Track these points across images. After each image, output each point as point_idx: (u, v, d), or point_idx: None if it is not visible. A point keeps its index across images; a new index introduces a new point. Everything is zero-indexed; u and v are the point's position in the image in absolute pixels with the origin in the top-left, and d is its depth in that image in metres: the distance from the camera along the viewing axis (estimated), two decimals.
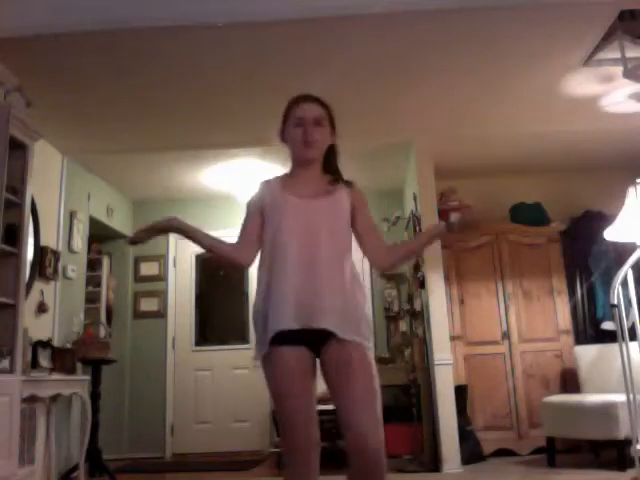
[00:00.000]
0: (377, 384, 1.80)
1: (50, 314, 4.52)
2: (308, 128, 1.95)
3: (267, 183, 2.03)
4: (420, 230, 4.82)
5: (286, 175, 2.05)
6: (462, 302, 5.07)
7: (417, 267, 4.91)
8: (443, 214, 5.11)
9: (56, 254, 4.62)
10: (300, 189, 1.96)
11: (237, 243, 2.03)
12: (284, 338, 1.82)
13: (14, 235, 3.39)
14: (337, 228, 1.93)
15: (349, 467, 1.74)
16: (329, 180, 2.02)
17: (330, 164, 2.06)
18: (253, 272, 6.68)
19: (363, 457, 1.70)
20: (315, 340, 1.84)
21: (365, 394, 1.76)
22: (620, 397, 3.86)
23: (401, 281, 5.80)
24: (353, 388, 1.77)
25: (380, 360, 5.17)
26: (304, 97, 2.03)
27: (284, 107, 2.05)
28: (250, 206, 2.04)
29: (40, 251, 4.41)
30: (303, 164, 2.01)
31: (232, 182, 5.68)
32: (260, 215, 1.98)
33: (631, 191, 3.79)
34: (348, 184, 2.03)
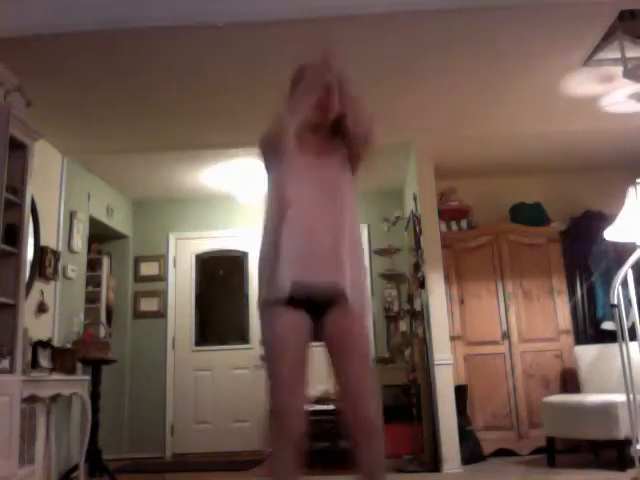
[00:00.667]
0: (370, 355, 1.91)
1: (50, 314, 4.52)
2: (325, 97, 2.03)
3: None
4: (420, 231, 4.82)
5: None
6: (462, 302, 5.07)
7: (417, 267, 4.91)
8: (443, 214, 5.12)
9: (56, 254, 4.62)
10: (309, 146, 2.01)
11: None
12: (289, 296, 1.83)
13: (14, 235, 3.39)
14: (341, 189, 1.99)
15: (351, 442, 1.85)
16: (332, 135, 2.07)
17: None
18: (253, 272, 6.63)
19: (367, 433, 1.82)
20: (317, 305, 1.87)
21: (362, 375, 1.85)
22: (620, 397, 3.86)
23: (401, 281, 5.81)
24: (351, 367, 1.84)
25: (380, 360, 5.18)
26: (321, 64, 2.09)
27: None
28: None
29: (40, 251, 4.41)
30: (309, 125, 2.06)
31: (232, 182, 5.68)
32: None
33: (631, 191, 3.79)
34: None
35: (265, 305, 1.89)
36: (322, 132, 2.08)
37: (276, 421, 1.94)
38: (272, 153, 2.02)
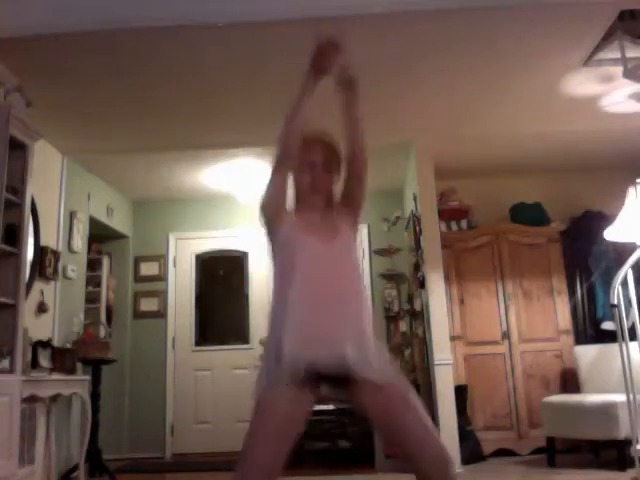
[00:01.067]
0: (416, 400, 1.74)
1: (50, 314, 4.52)
2: (319, 173, 1.91)
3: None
4: (420, 231, 4.82)
5: (295, 207, 1.96)
6: (462, 302, 5.07)
7: (417, 267, 4.91)
8: (443, 214, 5.12)
9: (56, 254, 4.62)
10: (312, 227, 1.87)
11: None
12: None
13: (14, 235, 3.39)
14: (349, 267, 1.87)
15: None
16: (333, 211, 1.94)
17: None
18: (253, 272, 6.63)
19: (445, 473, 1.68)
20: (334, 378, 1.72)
21: (417, 419, 1.71)
22: (620, 397, 3.86)
23: (401, 281, 5.81)
24: (406, 421, 1.70)
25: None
26: (317, 139, 1.97)
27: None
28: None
29: (40, 251, 4.41)
30: (308, 204, 1.94)
31: (232, 182, 5.68)
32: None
33: (631, 191, 3.79)
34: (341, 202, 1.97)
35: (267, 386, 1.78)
36: (321, 205, 1.94)
37: None
38: (275, 215, 1.88)
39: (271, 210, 1.88)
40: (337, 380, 1.71)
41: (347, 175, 1.95)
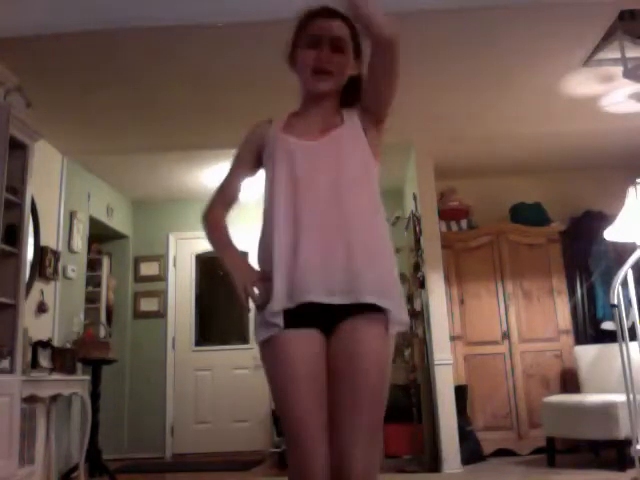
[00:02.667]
0: (383, 391, 1.42)
1: (50, 314, 4.52)
2: (324, 51, 1.53)
3: (271, 120, 1.66)
4: (420, 231, 4.82)
5: (293, 112, 1.64)
6: (462, 302, 5.07)
7: (417, 267, 4.91)
8: (443, 214, 5.12)
9: (56, 254, 4.62)
10: (303, 128, 1.55)
11: (219, 196, 1.81)
12: (291, 318, 1.43)
13: (14, 235, 3.39)
14: (352, 171, 1.50)
15: None
16: (340, 113, 1.59)
17: (352, 101, 1.60)
18: None
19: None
20: (327, 317, 1.43)
21: (368, 428, 1.37)
22: (620, 397, 3.85)
23: (401, 281, 5.80)
24: (357, 415, 1.36)
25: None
26: (322, 9, 1.58)
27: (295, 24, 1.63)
28: (242, 145, 1.74)
29: (40, 251, 4.40)
30: (313, 98, 1.59)
31: None
32: (255, 158, 1.69)
33: (631, 191, 3.79)
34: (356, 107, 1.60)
35: (261, 334, 1.48)
36: (330, 107, 1.59)
37: (296, 464, 1.36)
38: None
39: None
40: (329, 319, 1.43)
41: (371, 61, 1.51)
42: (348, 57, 1.57)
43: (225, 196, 1.78)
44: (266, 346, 1.46)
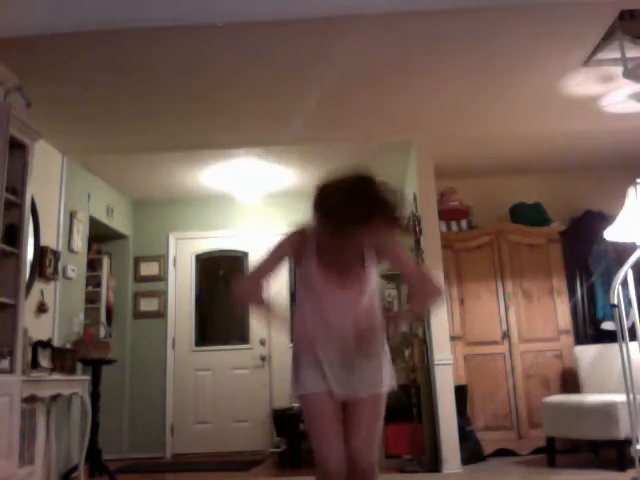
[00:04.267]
0: (382, 414, 2.04)
1: (50, 314, 4.52)
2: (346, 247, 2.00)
3: (304, 234, 2.03)
4: (420, 231, 4.82)
5: (320, 236, 1.99)
6: (462, 302, 5.07)
7: None
8: (443, 214, 5.12)
9: (56, 254, 4.62)
10: (333, 270, 2.00)
11: (253, 276, 2.25)
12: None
13: (14, 235, 3.39)
14: (363, 298, 2.05)
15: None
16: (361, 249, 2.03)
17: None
18: None
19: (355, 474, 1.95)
20: None
21: (373, 428, 2.01)
22: (620, 397, 3.86)
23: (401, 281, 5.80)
24: (364, 418, 2.00)
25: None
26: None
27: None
28: (281, 247, 2.07)
29: (40, 251, 4.40)
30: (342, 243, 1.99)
31: (232, 182, 5.69)
32: (282, 262, 2.08)
33: (631, 191, 3.79)
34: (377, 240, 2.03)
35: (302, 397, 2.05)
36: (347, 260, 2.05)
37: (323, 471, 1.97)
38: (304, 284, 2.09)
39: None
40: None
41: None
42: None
43: (260, 276, 2.17)
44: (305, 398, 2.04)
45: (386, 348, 2.09)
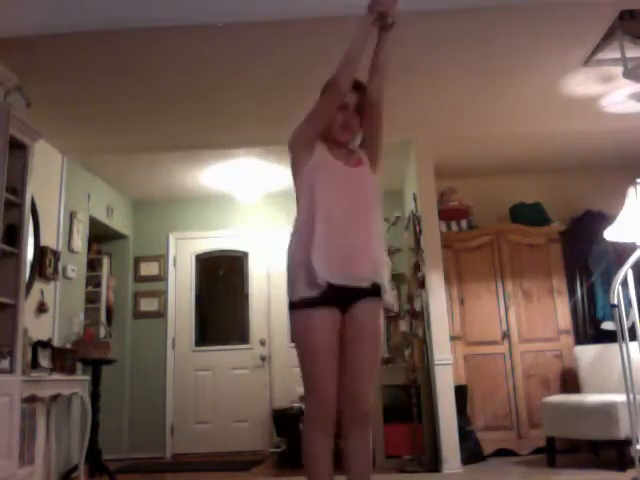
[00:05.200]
0: (381, 347, 2.14)
1: (50, 314, 4.52)
2: (350, 115, 2.15)
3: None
4: (420, 231, 4.82)
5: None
6: (462, 302, 5.07)
7: (417, 267, 4.91)
8: (443, 214, 5.12)
9: (56, 254, 4.62)
10: (339, 155, 2.15)
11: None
12: (318, 297, 1.96)
13: (14, 235, 3.39)
14: (368, 190, 2.16)
15: (344, 424, 2.03)
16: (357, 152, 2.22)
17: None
18: (253, 272, 6.63)
19: (360, 416, 2.02)
20: (347, 298, 2.02)
21: (370, 366, 2.03)
22: (620, 397, 3.86)
23: (401, 281, 5.80)
24: (363, 356, 2.01)
25: (380, 360, 5.16)
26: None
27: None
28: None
29: (40, 251, 4.40)
30: (335, 143, 2.18)
31: (232, 182, 5.69)
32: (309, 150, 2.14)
33: (631, 191, 3.79)
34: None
35: (299, 304, 1.98)
36: (345, 146, 2.22)
37: (316, 408, 2.02)
38: (305, 147, 2.12)
39: (311, 136, 2.11)
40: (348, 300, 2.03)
41: (366, 121, 2.20)
42: (359, 119, 2.20)
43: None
44: (301, 311, 2.00)
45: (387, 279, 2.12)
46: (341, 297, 2.00)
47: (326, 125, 2.14)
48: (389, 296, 2.09)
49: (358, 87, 2.17)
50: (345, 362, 2.00)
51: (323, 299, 1.95)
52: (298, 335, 2.02)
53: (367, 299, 2.04)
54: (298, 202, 2.13)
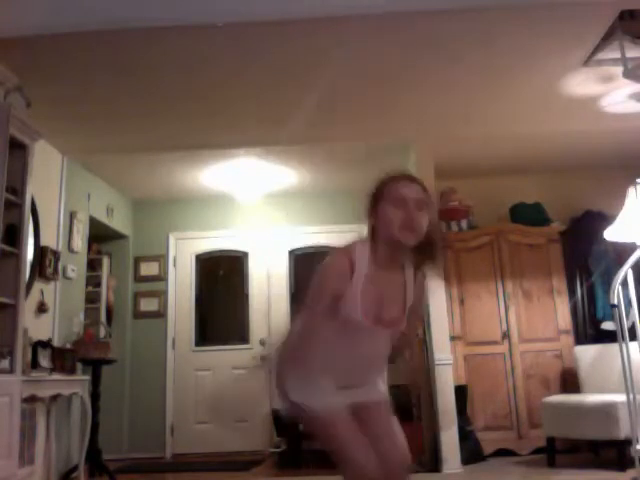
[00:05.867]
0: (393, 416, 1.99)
1: (50, 314, 4.52)
2: (412, 211, 1.76)
3: (354, 251, 1.80)
4: None
5: (371, 252, 1.82)
6: (462, 302, 5.07)
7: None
8: (443, 214, 5.12)
9: (56, 254, 4.62)
10: (378, 295, 1.80)
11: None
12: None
13: (14, 235, 3.39)
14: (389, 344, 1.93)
15: None
16: (407, 280, 1.88)
17: (424, 253, 1.85)
18: (253, 272, 6.63)
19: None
20: None
21: (392, 425, 1.93)
22: (620, 397, 3.86)
23: None
24: (383, 424, 1.91)
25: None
26: (404, 176, 1.87)
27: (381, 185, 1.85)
28: (340, 274, 1.78)
29: (40, 251, 4.40)
30: (395, 248, 1.81)
31: (232, 182, 5.68)
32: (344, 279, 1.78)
33: (631, 191, 3.79)
34: (420, 283, 1.93)
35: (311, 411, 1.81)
36: (402, 259, 1.87)
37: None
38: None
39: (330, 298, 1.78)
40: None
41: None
42: (427, 217, 1.79)
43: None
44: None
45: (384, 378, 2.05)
46: None
47: (383, 224, 1.78)
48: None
49: (416, 180, 1.85)
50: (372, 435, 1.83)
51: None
52: (324, 435, 1.85)
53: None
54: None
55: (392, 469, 1.82)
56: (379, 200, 1.81)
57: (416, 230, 1.76)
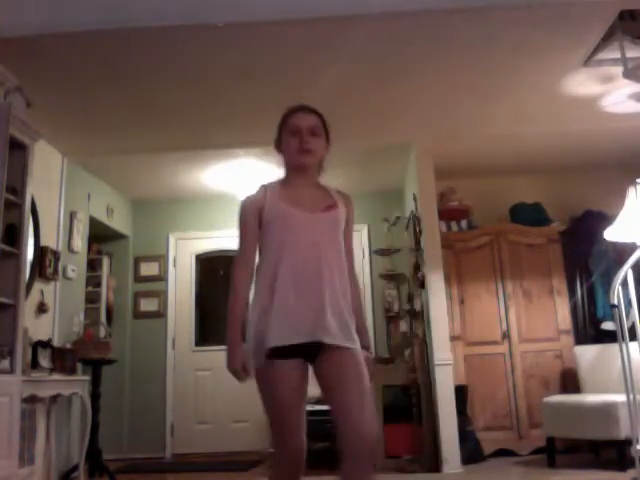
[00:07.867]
0: (368, 383, 1.87)
1: (50, 314, 4.52)
2: (304, 136, 2.01)
3: (265, 188, 2.03)
4: (420, 231, 4.82)
5: (282, 182, 2.07)
6: (462, 302, 5.07)
7: (417, 267, 4.91)
8: (443, 214, 5.12)
9: (56, 254, 4.62)
10: (300, 200, 1.99)
11: (244, 261, 2.01)
12: (280, 352, 1.85)
13: (14, 235, 3.39)
14: (336, 243, 1.99)
15: (345, 460, 1.78)
16: (327, 191, 2.09)
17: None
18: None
19: (361, 446, 1.76)
20: (311, 350, 1.89)
21: (359, 394, 1.82)
22: (620, 397, 3.86)
23: (401, 281, 5.80)
24: (348, 389, 1.82)
25: (380, 360, 5.17)
26: (300, 107, 2.09)
27: (281, 116, 2.11)
28: (247, 213, 2.02)
29: (40, 251, 4.40)
30: (298, 171, 2.04)
31: (232, 182, 5.68)
32: (258, 222, 1.99)
33: (631, 191, 3.79)
34: (346, 197, 2.12)
35: (260, 370, 1.88)
36: (312, 178, 2.08)
37: (287, 456, 1.90)
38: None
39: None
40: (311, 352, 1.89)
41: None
42: (322, 140, 2.07)
43: (247, 260, 2.02)
44: (263, 370, 1.88)
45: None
46: (305, 350, 1.87)
47: (285, 156, 2.05)
48: (366, 341, 1.99)
49: (311, 110, 2.08)
50: (333, 402, 1.84)
51: (279, 353, 1.84)
52: (262, 393, 1.92)
53: (337, 350, 1.88)
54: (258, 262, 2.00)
55: (358, 447, 1.75)
56: (281, 132, 2.08)
57: (311, 153, 2.01)
